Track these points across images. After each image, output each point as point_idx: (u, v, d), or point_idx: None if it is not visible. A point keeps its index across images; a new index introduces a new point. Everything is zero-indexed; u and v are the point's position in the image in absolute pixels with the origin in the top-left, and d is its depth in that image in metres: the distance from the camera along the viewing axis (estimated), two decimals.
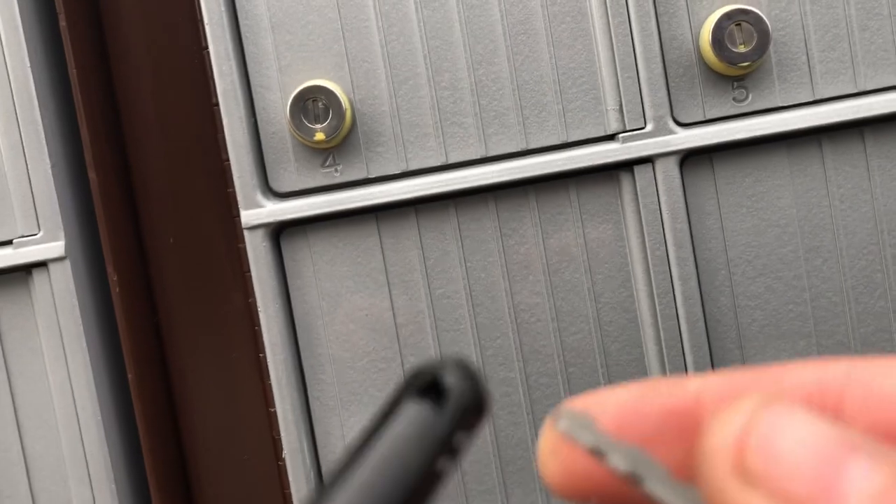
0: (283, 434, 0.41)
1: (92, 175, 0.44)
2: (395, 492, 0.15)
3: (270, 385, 0.41)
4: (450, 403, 0.16)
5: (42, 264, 0.42)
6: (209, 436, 0.47)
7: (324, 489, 0.16)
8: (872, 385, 0.18)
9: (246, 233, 0.41)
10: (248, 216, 0.41)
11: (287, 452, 0.41)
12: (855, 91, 0.40)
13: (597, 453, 0.18)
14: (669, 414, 0.19)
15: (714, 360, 0.41)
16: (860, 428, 0.17)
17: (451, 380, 0.16)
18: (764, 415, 0.16)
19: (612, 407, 0.20)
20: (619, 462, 0.18)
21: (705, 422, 0.19)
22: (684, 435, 0.19)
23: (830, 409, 0.18)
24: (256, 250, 0.41)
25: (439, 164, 0.41)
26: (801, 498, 0.15)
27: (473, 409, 0.17)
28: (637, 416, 0.20)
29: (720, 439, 0.16)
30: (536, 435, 0.40)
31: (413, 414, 0.16)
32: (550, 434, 0.20)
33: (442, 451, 0.16)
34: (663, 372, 0.41)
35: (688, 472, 0.19)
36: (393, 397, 0.16)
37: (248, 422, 0.47)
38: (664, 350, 0.40)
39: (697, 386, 0.20)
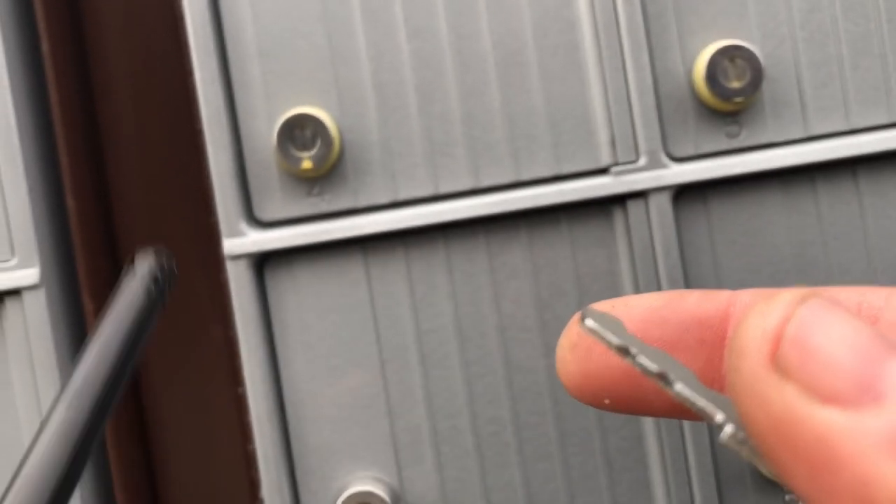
0: (262, 473, 0.40)
1: (70, 201, 0.43)
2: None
3: (249, 422, 0.40)
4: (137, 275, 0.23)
5: (16, 292, 0.40)
6: (184, 473, 0.45)
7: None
8: None
9: (228, 262, 0.40)
10: (230, 245, 0.39)
11: (266, 493, 0.40)
12: (847, 129, 0.40)
13: (625, 353, 0.18)
14: (694, 322, 0.19)
15: None
16: None
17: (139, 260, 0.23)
18: (802, 308, 0.15)
19: (638, 310, 0.20)
20: (648, 362, 0.18)
21: (731, 336, 0.19)
22: (706, 345, 0.19)
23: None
24: (239, 280, 0.39)
25: (429, 194, 0.40)
26: (838, 393, 0.15)
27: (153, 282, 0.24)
28: (662, 321, 0.19)
29: (755, 330, 0.16)
30: (527, 478, 0.39)
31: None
32: (571, 331, 0.20)
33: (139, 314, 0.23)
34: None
35: (707, 383, 0.19)
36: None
37: (224, 459, 0.45)
38: None
39: (727, 298, 0.20)
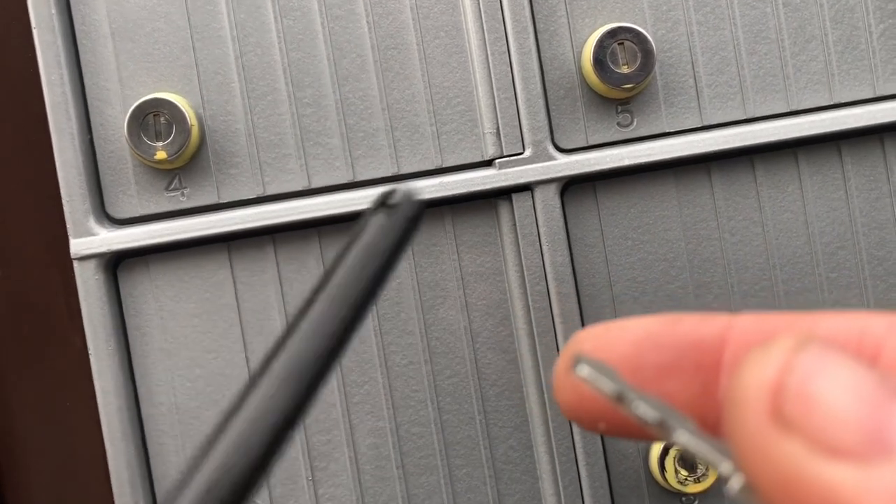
0: (116, 497, 0.36)
1: None
2: (377, 261, 0.22)
3: None
4: (398, 209, 0.23)
5: None
6: (41, 496, 0.41)
7: (335, 263, 0.22)
8: None
9: (76, 264, 0.36)
10: (78, 245, 0.36)
11: None
12: (744, 117, 0.38)
13: (621, 400, 0.18)
14: (690, 346, 0.19)
15: None
16: None
17: (397, 197, 0.24)
18: (801, 357, 0.15)
19: (633, 333, 0.19)
20: (646, 411, 0.17)
21: (728, 361, 0.18)
22: (702, 370, 0.19)
23: (866, 357, 0.17)
24: (88, 283, 0.36)
25: (301, 188, 0.37)
26: (846, 447, 0.14)
27: (416, 211, 0.24)
28: (657, 345, 0.19)
29: (753, 382, 0.15)
30: (408, 493, 0.36)
31: (376, 219, 0.23)
32: (568, 354, 0.20)
33: (400, 239, 0.23)
34: (545, 422, 0.37)
35: (702, 408, 0.19)
36: (362, 219, 0.24)
37: (84, 480, 0.41)
38: (545, 395, 0.37)
39: (724, 323, 0.19)
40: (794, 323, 0.18)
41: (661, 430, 0.17)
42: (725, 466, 0.16)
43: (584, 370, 0.18)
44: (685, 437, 0.17)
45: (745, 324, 0.19)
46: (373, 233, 0.22)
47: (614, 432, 0.20)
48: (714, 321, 0.19)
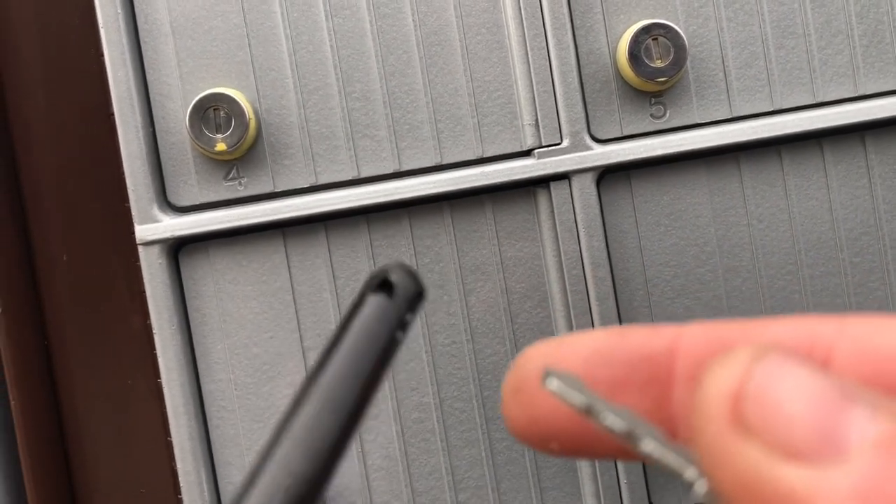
0: (179, 465, 0.38)
1: None
2: (370, 355, 0.21)
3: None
4: (398, 293, 0.21)
5: None
6: (103, 468, 0.44)
7: (320, 361, 0.21)
8: (864, 340, 0.18)
9: (141, 249, 0.38)
10: (143, 231, 0.38)
11: (183, 484, 0.39)
12: (771, 109, 0.40)
13: (589, 412, 0.18)
14: (642, 360, 0.19)
15: None
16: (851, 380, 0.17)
17: (396, 276, 0.22)
18: (759, 365, 0.15)
19: (584, 349, 0.19)
20: (614, 421, 0.17)
21: (680, 372, 0.19)
22: (654, 382, 0.19)
23: (819, 361, 0.18)
24: (152, 267, 0.38)
25: (350, 178, 0.39)
26: (801, 449, 0.14)
27: (415, 295, 0.22)
28: (609, 360, 0.19)
29: (714, 391, 0.16)
30: (451, 465, 0.38)
31: (373, 303, 0.21)
32: (515, 375, 0.20)
33: (396, 326, 0.21)
34: None
35: (656, 420, 0.19)
36: (357, 295, 0.22)
37: (145, 453, 0.44)
38: None
39: (673, 334, 0.19)
40: (745, 331, 0.19)
41: (629, 440, 0.17)
42: (690, 472, 0.16)
43: (554, 383, 0.18)
44: (652, 446, 0.17)
45: (694, 334, 0.19)
46: (371, 318, 0.21)
47: (566, 452, 0.20)
48: (662, 333, 0.19)
